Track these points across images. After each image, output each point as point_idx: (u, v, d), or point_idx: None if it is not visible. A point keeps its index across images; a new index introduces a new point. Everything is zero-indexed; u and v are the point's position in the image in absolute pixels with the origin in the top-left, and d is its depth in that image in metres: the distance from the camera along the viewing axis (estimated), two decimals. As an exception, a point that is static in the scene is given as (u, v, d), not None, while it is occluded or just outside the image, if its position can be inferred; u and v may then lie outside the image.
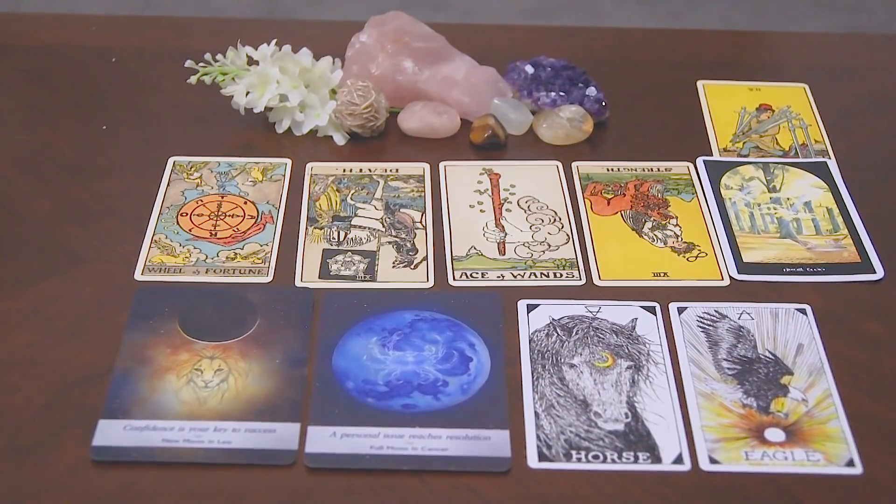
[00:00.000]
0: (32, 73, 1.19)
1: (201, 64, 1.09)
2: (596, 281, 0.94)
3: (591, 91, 1.10)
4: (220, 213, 1.00)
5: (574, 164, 1.06)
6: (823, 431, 0.82)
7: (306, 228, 0.99)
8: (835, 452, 0.80)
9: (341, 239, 0.98)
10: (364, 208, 1.01)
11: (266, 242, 0.97)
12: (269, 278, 0.94)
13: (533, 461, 0.79)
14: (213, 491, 0.78)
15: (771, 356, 0.87)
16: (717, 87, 1.17)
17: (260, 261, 0.95)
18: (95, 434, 0.80)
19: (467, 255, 0.96)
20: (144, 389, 0.84)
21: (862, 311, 0.92)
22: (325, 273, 0.94)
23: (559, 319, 0.90)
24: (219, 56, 1.10)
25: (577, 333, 0.89)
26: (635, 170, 1.06)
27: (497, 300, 0.91)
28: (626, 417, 0.82)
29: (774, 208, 1.02)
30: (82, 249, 0.96)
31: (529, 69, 1.12)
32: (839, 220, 1.00)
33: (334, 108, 1.07)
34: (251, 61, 1.10)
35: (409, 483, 0.78)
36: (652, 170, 1.06)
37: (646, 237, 0.99)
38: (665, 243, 0.98)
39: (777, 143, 1.10)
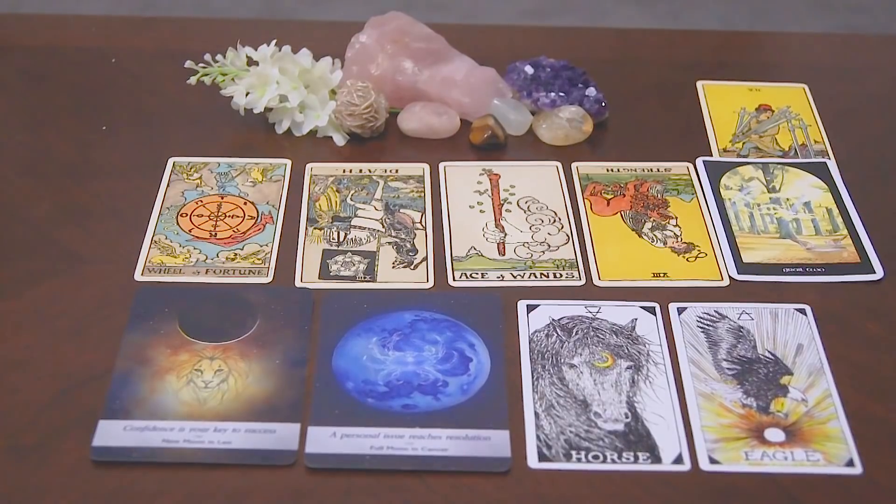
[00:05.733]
0: (32, 73, 1.19)
1: (201, 64, 1.09)
2: (596, 281, 0.94)
3: (591, 91, 1.10)
4: (219, 214, 1.00)
5: (574, 165, 1.06)
6: (823, 431, 0.82)
7: (306, 229, 0.99)
8: (834, 452, 0.80)
9: (341, 239, 0.98)
10: (364, 209, 1.01)
11: (266, 243, 0.97)
12: (269, 279, 0.94)
13: (533, 461, 0.79)
14: (213, 491, 0.78)
15: (771, 356, 0.87)
16: (717, 87, 1.17)
17: (260, 261, 0.95)
18: (95, 434, 0.80)
19: (467, 255, 0.96)
20: (144, 390, 0.84)
21: (862, 311, 0.92)
22: (325, 273, 0.94)
23: (559, 320, 0.90)
24: (219, 57, 1.10)
25: (576, 334, 0.89)
26: (635, 170, 1.06)
27: (497, 300, 0.92)
28: (626, 417, 0.82)
29: (774, 208, 1.02)
30: (82, 250, 0.96)
31: (529, 70, 1.12)
32: (839, 220, 1.00)
33: (334, 109, 1.07)
34: (251, 62, 1.10)
35: (409, 483, 0.78)
36: (652, 170, 1.06)
37: (645, 237, 0.99)
38: (665, 243, 0.98)
39: (777, 144, 1.10)
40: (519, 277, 0.94)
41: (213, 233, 0.98)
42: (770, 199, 1.03)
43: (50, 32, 1.26)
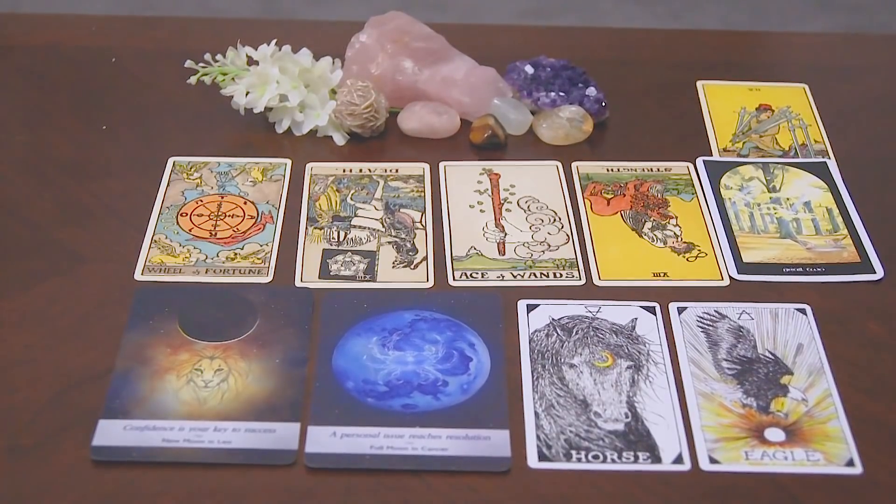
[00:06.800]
0: (32, 73, 1.19)
1: (201, 64, 1.09)
2: (596, 281, 0.94)
3: (591, 91, 1.10)
4: (220, 214, 1.00)
5: (574, 164, 1.06)
6: (823, 431, 0.82)
7: (306, 228, 0.99)
8: (835, 452, 0.80)
9: (341, 239, 0.98)
10: (364, 208, 1.01)
11: (266, 242, 0.97)
12: (269, 278, 0.94)
13: (533, 461, 0.79)
14: (213, 491, 0.78)
15: (771, 356, 0.87)
16: (717, 87, 1.17)
17: (260, 261, 0.95)
18: (95, 434, 0.80)
19: (467, 255, 0.96)
20: (144, 389, 0.84)
21: (862, 311, 0.92)
22: (325, 273, 0.94)
23: (559, 319, 0.90)
24: (219, 56, 1.10)
25: (576, 333, 0.89)
26: (635, 170, 1.06)
27: (497, 300, 0.91)
28: (626, 417, 0.82)
29: (774, 208, 1.02)
30: (82, 249, 0.96)
31: (529, 69, 1.12)
32: (839, 220, 1.00)
33: (334, 108, 1.07)
34: (251, 61, 1.10)
35: (409, 483, 0.78)
36: (652, 170, 1.06)
37: (646, 237, 0.99)
38: (665, 243, 0.98)
39: (777, 143, 1.10)
40: (519, 277, 0.94)
41: (213, 232, 0.98)
42: (770, 198, 1.03)
43: (50, 32, 1.26)
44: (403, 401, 0.83)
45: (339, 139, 1.08)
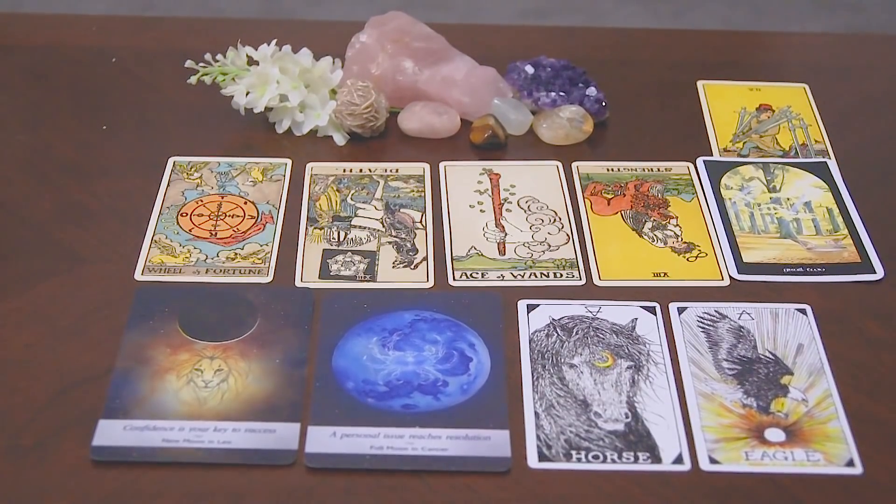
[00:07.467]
0: (32, 73, 1.19)
1: (201, 64, 1.09)
2: (596, 281, 0.94)
3: (591, 91, 1.10)
4: (220, 214, 1.00)
5: (574, 164, 1.06)
6: (823, 431, 0.82)
7: (306, 228, 0.99)
8: (835, 452, 0.80)
9: (341, 239, 0.98)
10: (364, 208, 1.01)
11: (266, 242, 0.97)
12: (269, 278, 0.94)
13: (533, 461, 0.79)
14: (213, 491, 0.78)
15: (771, 356, 0.87)
16: (717, 87, 1.17)
17: (260, 261, 0.95)
18: (95, 434, 0.80)
19: (467, 255, 0.96)
20: (144, 389, 0.84)
21: (862, 311, 0.92)
22: (325, 273, 0.94)
23: (559, 319, 0.90)
24: (219, 56, 1.10)
25: (577, 333, 0.89)
26: (635, 170, 1.06)
27: (497, 300, 0.91)
28: (626, 417, 0.82)
29: (774, 208, 1.02)
30: (82, 249, 0.96)
31: (529, 69, 1.12)
32: (839, 220, 1.00)
33: (334, 109, 1.07)
34: (251, 61, 1.10)
35: (409, 483, 0.78)
36: (652, 170, 1.06)
37: (646, 237, 0.99)
38: (665, 243, 0.98)
39: (777, 143, 1.10)
40: (519, 277, 0.94)
41: (214, 232, 0.98)
42: (770, 198, 1.03)
43: (50, 32, 1.26)
44: (403, 401, 0.83)
45: (340, 139, 1.08)
